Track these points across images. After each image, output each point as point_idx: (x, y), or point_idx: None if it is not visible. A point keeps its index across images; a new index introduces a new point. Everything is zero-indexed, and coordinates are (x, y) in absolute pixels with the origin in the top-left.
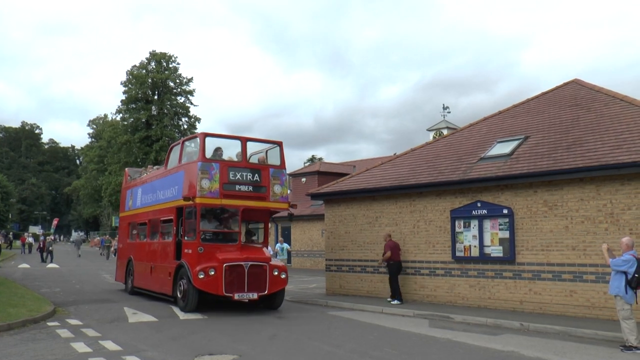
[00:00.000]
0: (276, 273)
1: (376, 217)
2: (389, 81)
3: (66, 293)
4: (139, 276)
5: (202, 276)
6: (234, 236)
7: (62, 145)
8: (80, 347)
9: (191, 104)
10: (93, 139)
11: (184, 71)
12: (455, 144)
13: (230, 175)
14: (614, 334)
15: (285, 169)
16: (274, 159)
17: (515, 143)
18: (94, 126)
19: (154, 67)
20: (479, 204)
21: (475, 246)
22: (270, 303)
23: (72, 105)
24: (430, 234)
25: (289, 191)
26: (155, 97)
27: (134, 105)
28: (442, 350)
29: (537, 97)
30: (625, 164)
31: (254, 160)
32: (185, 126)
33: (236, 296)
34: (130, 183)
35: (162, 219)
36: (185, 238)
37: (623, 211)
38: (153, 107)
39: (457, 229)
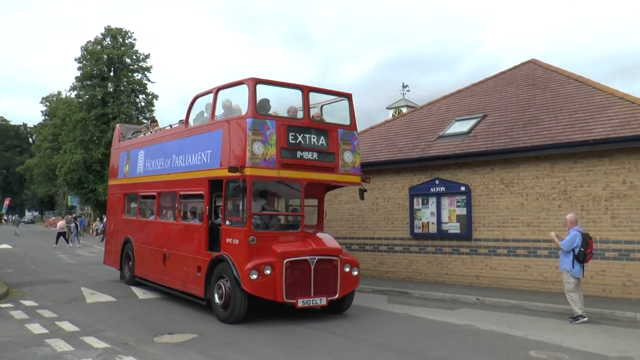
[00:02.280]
0: (348, 270)
1: (336, 194)
2: (352, 59)
3: (20, 274)
4: (144, 264)
5: (255, 276)
6: (296, 221)
7: (13, 123)
8: (36, 328)
9: (149, 80)
10: (46, 117)
11: (141, 47)
12: (415, 122)
13: (290, 138)
14: (564, 306)
15: (357, 130)
16: (340, 117)
17: (473, 121)
18: (48, 104)
19: (110, 43)
20: (437, 182)
21: (433, 223)
22: (335, 307)
23: (24, 82)
24: (389, 211)
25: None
26: (112, 73)
27: (89, 82)
28: (401, 324)
29: (495, 76)
30: (578, 142)
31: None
32: (143, 103)
33: (300, 302)
34: (125, 143)
35: (183, 193)
36: (227, 223)
37: (575, 188)
38: (109, 84)
39: (415, 206)
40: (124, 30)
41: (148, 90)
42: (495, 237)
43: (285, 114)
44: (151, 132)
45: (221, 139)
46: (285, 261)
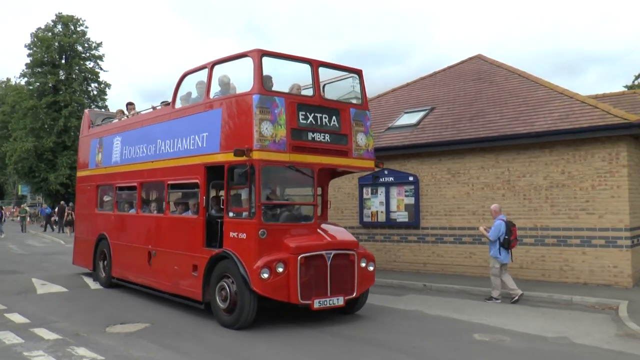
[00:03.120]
0: (364, 265)
1: None
2: (304, 51)
3: None
4: (123, 263)
5: (266, 275)
6: (308, 212)
7: None
8: None
9: (101, 69)
10: None
11: (94, 35)
12: None
13: (301, 118)
14: (506, 291)
15: (369, 110)
16: (351, 95)
17: (421, 114)
18: None
19: (61, 30)
20: (386, 172)
21: (382, 212)
22: (347, 307)
23: None
24: (339, 200)
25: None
26: (63, 61)
27: (39, 70)
28: None
29: (443, 70)
30: (522, 134)
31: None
32: (95, 92)
33: (316, 303)
34: (97, 130)
35: (172, 182)
36: (231, 215)
37: (519, 178)
38: (60, 72)
39: (364, 196)
40: (75, 17)
41: (100, 79)
42: (442, 225)
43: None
44: (128, 117)
45: (220, 120)
46: (299, 257)
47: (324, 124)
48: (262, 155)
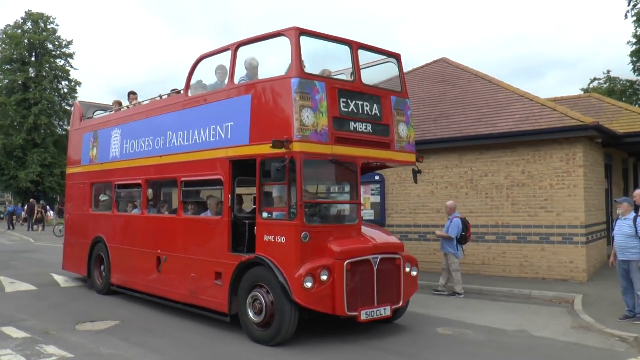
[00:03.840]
0: (408, 270)
1: None
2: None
3: None
4: (125, 269)
5: (310, 284)
6: (352, 211)
7: None
8: None
9: (72, 67)
10: None
11: (64, 33)
12: None
13: (342, 105)
14: (469, 286)
15: (409, 98)
16: (390, 82)
17: None
18: None
19: (31, 27)
20: None
21: None
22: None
23: None
24: None
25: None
26: (33, 59)
27: (9, 67)
28: None
29: (408, 73)
30: (484, 135)
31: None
32: (66, 90)
33: (364, 315)
34: (91, 122)
35: (187, 179)
36: (265, 215)
37: (481, 178)
38: (30, 69)
39: None
40: (45, 15)
41: (71, 77)
42: (407, 223)
43: None
44: (129, 107)
45: (250, 108)
46: (346, 263)
47: (365, 112)
48: (304, 147)
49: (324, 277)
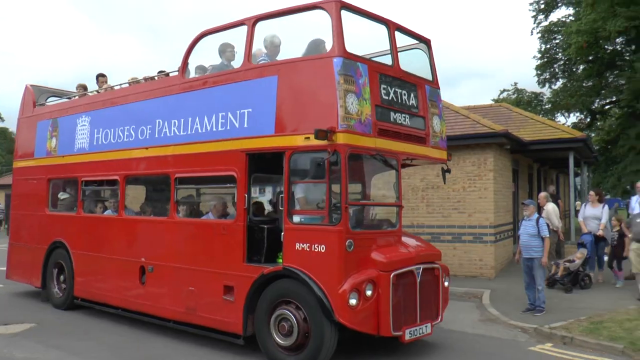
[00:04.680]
0: (443, 280)
1: None
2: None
3: None
4: (94, 281)
5: (354, 301)
6: (392, 215)
7: None
8: None
9: None
10: None
11: None
12: None
13: (383, 92)
14: None
15: (439, 88)
16: (420, 70)
17: None
18: None
19: None
20: None
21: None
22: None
23: None
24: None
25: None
26: None
27: None
28: None
29: None
30: None
31: None
32: None
33: (407, 334)
34: (48, 109)
35: (184, 175)
36: (297, 219)
37: None
38: None
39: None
40: None
41: None
42: None
43: None
44: (98, 92)
45: (276, 92)
46: (392, 275)
47: (403, 102)
48: (349, 139)
49: (369, 292)
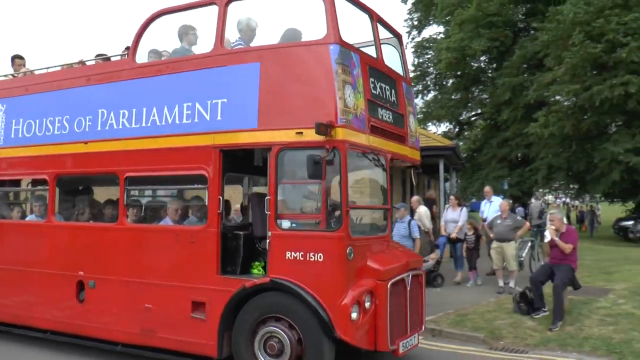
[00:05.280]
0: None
1: None
2: None
3: None
4: (14, 300)
5: (355, 315)
6: (383, 219)
7: None
8: None
9: None
10: None
11: None
12: None
13: (372, 86)
14: None
15: (412, 85)
16: (393, 65)
17: None
18: None
19: None
20: None
21: None
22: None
23: None
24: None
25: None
26: None
27: None
28: None
29: None
30: None
31: None
32: None
33: (401, 348)
34: None
35: (136, 174)
36: (288, 225)
37: None
38: None
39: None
40: None
41: None
42: None
43: None
44: (15, 76)
45: (258, 80)
46: (389, 284)
47: (386, 97)
48: (348, 135)
49: (367, 304)
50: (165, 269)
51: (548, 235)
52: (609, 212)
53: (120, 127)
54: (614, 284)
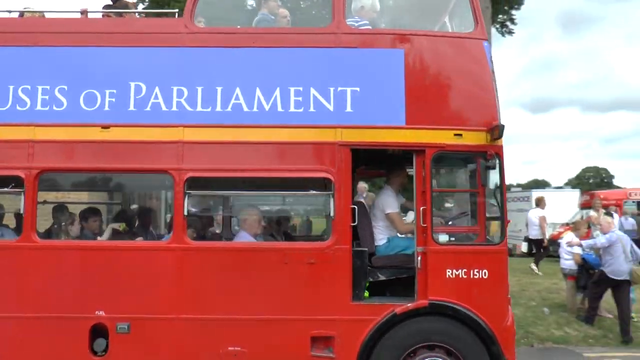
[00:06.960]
0: None
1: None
2: None
3: None
4: None
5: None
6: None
7: None
8: None
9: None
10: None
11: None
12: None
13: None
14: None
15: None
16: None
17: None
18: None
19: None
20: None
21: None
22: None
23: None
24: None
25: None
26: None
27: None
28: None
29: None
30: None
31: None
32: None
33: None
34: None
35: (200, 175)
36: (444, 238)
37: None
38: None
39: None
40: None
41: None
42: None
43: None
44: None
45: (403, 70)
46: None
47: None
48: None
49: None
50: (263, 299)
51: None
52: None
53: (175, 108)
54: None
